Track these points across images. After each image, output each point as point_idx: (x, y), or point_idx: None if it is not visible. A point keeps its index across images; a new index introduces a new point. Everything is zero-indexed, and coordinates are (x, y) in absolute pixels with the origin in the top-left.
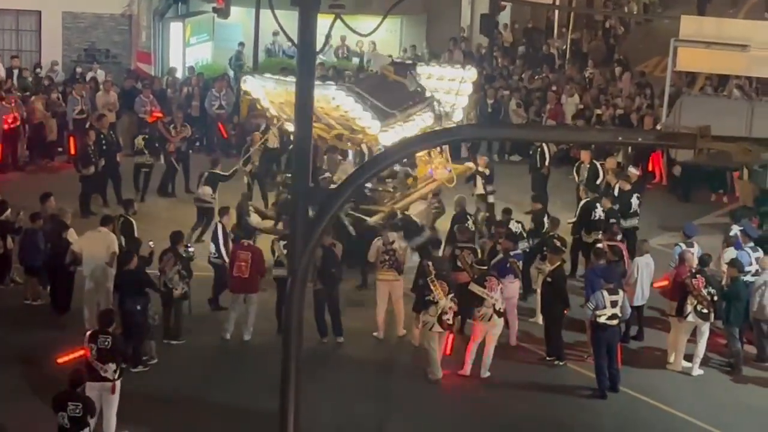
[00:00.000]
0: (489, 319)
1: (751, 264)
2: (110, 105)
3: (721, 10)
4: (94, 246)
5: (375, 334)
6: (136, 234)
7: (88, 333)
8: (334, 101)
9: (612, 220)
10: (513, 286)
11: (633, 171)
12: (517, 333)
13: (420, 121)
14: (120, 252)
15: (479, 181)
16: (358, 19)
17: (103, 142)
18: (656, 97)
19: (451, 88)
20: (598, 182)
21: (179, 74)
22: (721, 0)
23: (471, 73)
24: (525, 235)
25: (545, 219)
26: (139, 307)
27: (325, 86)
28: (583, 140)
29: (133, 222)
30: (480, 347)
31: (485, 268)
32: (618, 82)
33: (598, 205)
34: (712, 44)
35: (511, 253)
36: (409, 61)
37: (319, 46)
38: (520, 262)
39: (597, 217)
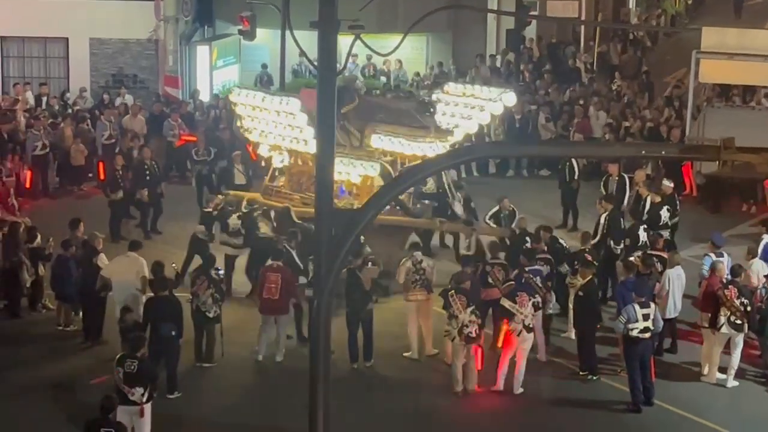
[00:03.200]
0: (518, 334)
1: None
2: (137, 130)
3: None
4: (123, 271)
5: (407, 354)
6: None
7: (117, 357)
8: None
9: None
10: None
11: (667, 184)
12: (546, 349)
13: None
14: (156, 278)
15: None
16: (384, 38)
17: (147, 171)
18: (684, 108)
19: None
20: (627, 195)
21: (206, 97)
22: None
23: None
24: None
25: (560, 243)
26: (173, 333)
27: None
28: (606, 155)
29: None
30: (512, 364)
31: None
32: (654, 96)
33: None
34: (735, 55)
35: (527, 269)
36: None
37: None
38: (537, 277)
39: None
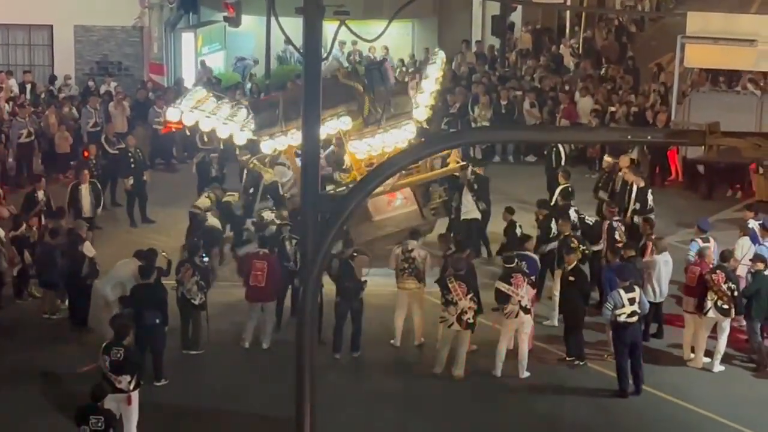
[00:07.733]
0: (516, 316)
1: None
2: (124, 116)
3: None
4: (122, 268)
5: (392, 341)
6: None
7: (103, 345)
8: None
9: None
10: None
11: (607, 159)
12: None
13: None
14: (142, 265)
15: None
16: (369, 24)
17: (131, 159)
18: (669, 93)
19: None
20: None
21: (190, 85)
22: None
23: None
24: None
25: (552, 224)
26: (158, 321)
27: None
28: (591, 140)
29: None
30: (512, 349)
31: (512, 265)
32: (639, 81)
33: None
34: (720, 40)
35: (515, 253)
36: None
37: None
38: (524, 262)
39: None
